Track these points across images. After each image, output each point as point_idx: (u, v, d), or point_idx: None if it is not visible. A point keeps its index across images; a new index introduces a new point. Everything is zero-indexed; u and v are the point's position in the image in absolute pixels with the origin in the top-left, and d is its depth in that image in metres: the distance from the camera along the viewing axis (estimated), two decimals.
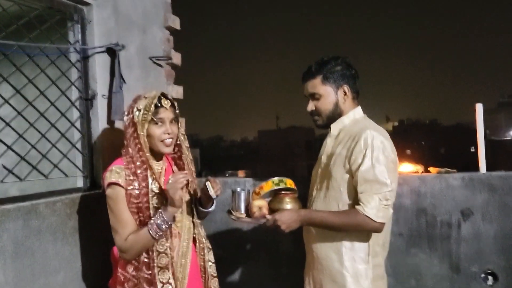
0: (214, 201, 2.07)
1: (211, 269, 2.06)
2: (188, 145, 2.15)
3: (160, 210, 1.85)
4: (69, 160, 2.35)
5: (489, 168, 2.61)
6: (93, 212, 2.33)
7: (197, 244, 2.04)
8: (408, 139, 36.18)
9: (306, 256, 2.21)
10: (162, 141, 1.92)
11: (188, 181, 1.89)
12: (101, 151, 2.46)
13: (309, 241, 2.13)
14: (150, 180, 1.91)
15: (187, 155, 2.11)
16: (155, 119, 1.90)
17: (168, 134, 1.93)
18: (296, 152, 36.66)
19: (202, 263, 2.05)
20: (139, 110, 1.90)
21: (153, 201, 1.90)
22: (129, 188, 1.87)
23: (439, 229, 2.51)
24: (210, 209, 2.08)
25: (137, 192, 1.87)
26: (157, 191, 1.92)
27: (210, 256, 2.08)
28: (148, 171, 1.91)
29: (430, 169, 2.65)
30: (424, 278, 2.54)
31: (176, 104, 2.02)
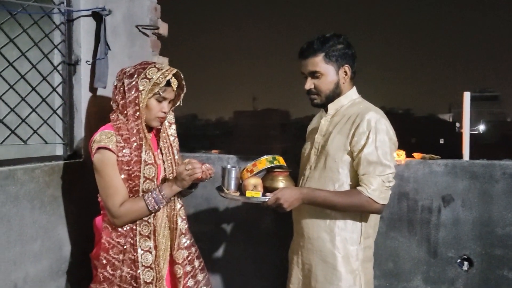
0: (199, 183, 2.02)
1: (181, 225, 1.98)
2: (172, 121, 2.09)
3: (159, 187, 1.86)
4: (50, 126, 2.26)
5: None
6: (73, 181, 2.26)
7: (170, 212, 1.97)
8: None
9: (294, 236, 2.20)
10: (157, 117, 1.91)
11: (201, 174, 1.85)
12: (83, 119, 2.37)
13: (300, 221, 2.11)
14: (144, 149, 1.86)
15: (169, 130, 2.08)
16: (160, 95, 1.88)
17: (164, 112, 1.92)
18: (271, 134, 36.64)
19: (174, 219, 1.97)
20: (148, 79, 1.84)
21: (145, 171, 1.86)
22: (119, 154, 1.82)
23: (419, 213, 2.55)
24: (193, 189, 2.04)
25: (128, 159, 1.83)
26: (150, 161, 1.88)
27: (181, 212, 2.00)
28: (144, 141, 1.87)
29: (414, 154, 2.67)
30: (401, 261, 2.58)
31: (184, 85, 1.98)
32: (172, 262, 1.97)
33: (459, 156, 2.84)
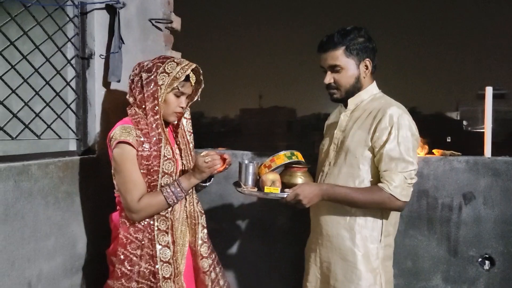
0: (213, 176, 1.99)
1: (202, 220, 2.00)
2: (189, 117, 2.09)
3: (177, 180, 1.83)
4: (63, 121, 2.22)
5: None
6: (87, 177, 2.22)
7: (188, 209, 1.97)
8: None
9: (311, 233, 2.15)
10: (175, 112, 1.90)
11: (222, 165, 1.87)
12: (97, 113, 2.33)
13: (318, 218, 2.06)
14: (163, 144, 1.83)
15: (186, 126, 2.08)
16: (179, 90, 1.86)
17: (182, 107, 1.91)
18: (277, 132, 36.58)
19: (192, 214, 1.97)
20: (167, 74, 1.81)
21: (164, 166, 1.84)
22: (139, 149, 1.80)
23: (439, 211, 2.49)
24: (207, 183, 2.01)
25: (147, 153, 1.80)
26: (169, 156, 1.86)
27: (199, 207, 2.01)
28: (163, 135, 1.84)
29: (434, 151, 2.61)
30: (420, 260, 2.52)
31: (202, 80, 1.97)
32: (196, 257, 1.95)
33: (469, 154, 2.77)
